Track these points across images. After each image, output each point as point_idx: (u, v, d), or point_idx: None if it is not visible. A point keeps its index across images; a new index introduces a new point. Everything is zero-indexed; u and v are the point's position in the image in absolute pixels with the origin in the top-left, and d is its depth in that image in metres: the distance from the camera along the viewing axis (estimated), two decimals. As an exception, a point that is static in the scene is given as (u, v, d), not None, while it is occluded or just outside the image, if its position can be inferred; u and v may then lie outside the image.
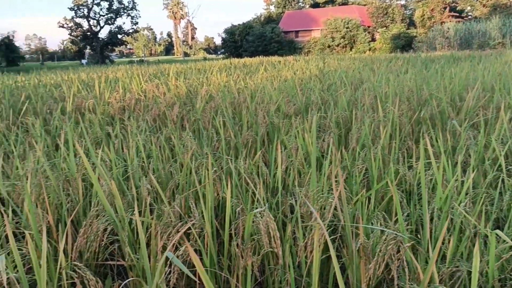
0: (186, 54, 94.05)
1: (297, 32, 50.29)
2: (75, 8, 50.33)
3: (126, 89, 5.66)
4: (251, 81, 6.91)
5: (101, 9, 51.51)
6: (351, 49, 43.65)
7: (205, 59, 47.54)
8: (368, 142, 2.88)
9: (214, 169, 2.29)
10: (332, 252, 1.03)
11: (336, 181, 1.79)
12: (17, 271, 1.35)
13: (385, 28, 43.21)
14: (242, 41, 48.19)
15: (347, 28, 43.75)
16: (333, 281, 1.57)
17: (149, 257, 1.63)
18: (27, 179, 2.05)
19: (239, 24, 50.33)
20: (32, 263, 1.28)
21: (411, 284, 1.13)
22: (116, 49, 67.50)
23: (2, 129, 3.77)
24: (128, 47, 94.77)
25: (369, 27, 45.19)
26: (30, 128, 4.14)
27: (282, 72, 8.63)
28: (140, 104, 4.92)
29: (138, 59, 58.45)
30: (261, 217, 1.27)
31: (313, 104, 4.58)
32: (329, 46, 45.05)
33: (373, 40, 44.77)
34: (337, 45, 44.43)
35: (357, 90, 5.33)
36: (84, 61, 52.99)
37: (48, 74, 10.92)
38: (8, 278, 1.34)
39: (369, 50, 42.08)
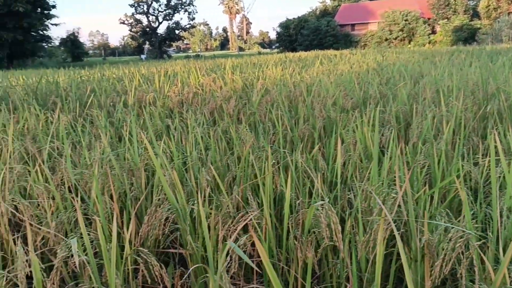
0: (241, 49, 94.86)
1: (353, 25, 49.34)
2: (135, 5, 52.08)
3: (184, 83, 5.79)
4: (306, 75, 6.86)
5: (159, 5, 52.95)
6: (409, 42, 42.27)
7: (259, 53, 47.72)
8: (430, 137, 2.78)
9: (272, 162, 2.30)
10: (400, 246, 1.01)
11: (398, 176, 1.74)
12: (86, 254, 1.42)
13: (446, 20, 41.44)
14: (296, 35, 47.98)
15: (405, 20, 42.38)
16: (393, 278, 1.53)
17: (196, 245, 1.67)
18: (93, 168, 2.15)
19: (294, 18, 50.11)
20: (101, 247, 1.34)
21: (481, 285, 1.08)
22: (173, 44, 69.18)
23: (70, 120, 3.97)
24: (184, 42, 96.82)
25: (429, 19, 43.52)
26: (95, 119, 4.34)
27: (338, 65, 8.50)
28: (198, 97, 5.02)
29: (194, 54, 59.60)
30: (322, 211, 1.26)
31: (371, 98, 4.48)
32: (386, 40, 43.89)
33: (433, 32, 43.10)
34: (395, 38, 43.19)
35: (417, 84, 5.15)
36: (143, 56, 54.79)
37: (110, 68, 11.38)
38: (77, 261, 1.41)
39: (429, 43, 40.57)
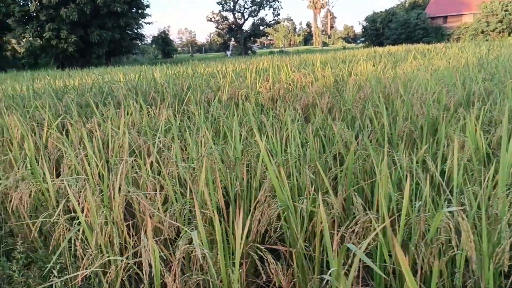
0: (324, 44, 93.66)
1: (445, 17, 46.62)
2: (222, 2, 53.42)
3: (275, 79, 5.82)
4: (400, 70, 6.59)
5: (245, 2, 53.85)
6: (509, 35, 39.06)
7: (344, 48, 46.79)
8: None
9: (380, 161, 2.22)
10: None
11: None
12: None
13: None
14: (384, 29, 46.37)
15: (505, 11, 39.18)
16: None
17: (304, 244, 1.64)
18: (198, 163, 2.22)
19: (381, 11, 48.49)
20: (216, 240, 1.37)
21: None
22: (257, 40, 70.07)
23: (169, 115, 4.15)
24: (268, 38, 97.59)
25: (533, 8, 39.85)
26: (191, 115, 4.49)
27: (433, 60, 8.06)
28: (290, 93, 5.02)
29: (278, 49, 59.88)
30: (451, 216, 1.18)
31: (474, 95, 4.19)
32: (482, 32, 40.94)
33: (538, 23, 39.43)
34: (492, 30, 40.13)
35: (527, 80, 4.72)
36: (228, 53, 56.15)
37: (200, 64, 11.75)
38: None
39: (532, 35, 37.22)
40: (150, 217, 1.64)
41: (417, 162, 2.35)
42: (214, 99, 5.24)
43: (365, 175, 2.39)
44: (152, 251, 1.39)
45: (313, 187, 2.18)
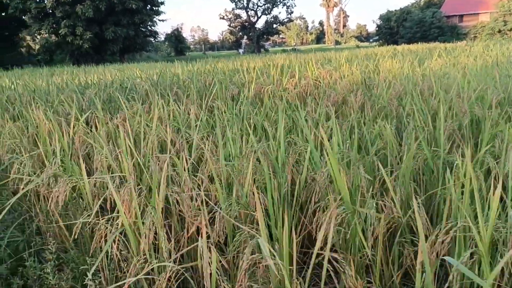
0: (337, 43, 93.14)
1: (461, 16, 46.01)
2: (236, 0, 53.30)
3: (300, 75, 5.66)
4: (427, 68, 6.40)
5: (259, 0, 53.69)
6: (527, 34, 38.43)
7: (357, 47, 46.39)
8: None
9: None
10: None
11: None
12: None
13: None
14: (398, 28, 45.93)
15: (524, 10, 38.55)
16: None
17: (371, 252, 1.50)
18: (242, 161, 2.09)
19: (395, 10, 48.05)
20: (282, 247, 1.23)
21: None
22: (270, 38, 69.83)
23: (196, 111, 4.03)
24: (280, 36, 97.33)
25: (552, 8, 39.14)
26: (217, 111, 4.37)
27: (459, 58, 7.85)
28: (317, 90, 4.87)
29: (291, 48, 59.61)
30: None
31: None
32: (499, 31, 40.32)
33: (557, 22, 38.73)
34: (510, 30, 39.50)
35: None
36: (241, 51, 56.00)
37: (219, 61, 11.64)
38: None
39: (552, 34, 36.55)
40: (191, 219, 1.51)
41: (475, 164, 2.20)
42: (239, 95, 5.11)
43: (419, 177, 2.24)
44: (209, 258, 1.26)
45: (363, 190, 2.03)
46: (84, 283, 2.05)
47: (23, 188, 2.54)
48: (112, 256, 2.00)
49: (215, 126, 3.59)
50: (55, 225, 2.50)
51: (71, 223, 2.54)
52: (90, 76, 8.45)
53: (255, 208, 1.79)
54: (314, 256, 1.20)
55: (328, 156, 1.90)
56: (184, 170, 2.04)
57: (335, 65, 6.72)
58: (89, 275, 2.00)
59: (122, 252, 2.00)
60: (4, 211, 2.26)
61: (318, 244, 1.19)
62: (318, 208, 1.64)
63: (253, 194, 1.77)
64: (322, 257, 1.47)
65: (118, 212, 2.03)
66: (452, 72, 5.19)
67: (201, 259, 1.31)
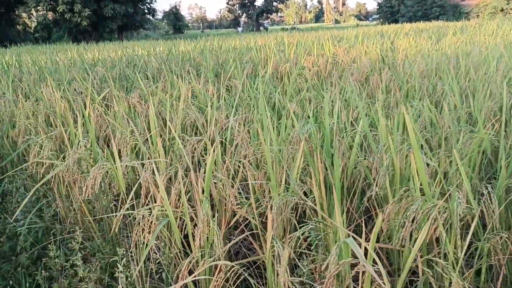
0: (336, 21, 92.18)
1: (463, -6, 45.36)
2: (235, -23, 52.38)
3: (316, 53, 5.45)
4: (445, 46, 6.18)
5: (258, -24, 52.70)
6: (530, 13, 37.93)
7: (357, 25, 45.85)
8: None
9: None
10: None
11: None
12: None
13: None
14: (399, 6, 45.28)
15: (527, -12, 37.98)
16: None
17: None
18: (288, 145, 1.92)
19: (397, -12, 47.30)
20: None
21: None
22: (269, 17, 68.88)
23: (214, 90, 3.84)
24: (279, 15, 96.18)
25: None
26: (234, 88, 4.17)
27: (476, 36, 7.62)
28: (337, 68, 4.68)
29: (290, 26, 58.85)
30: None
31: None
32: (502, 10, 39.80)
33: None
34: (512, 8, 38.99)
35: None
36: (239, 29, 55.29)
37: (221, 39, 11.34)
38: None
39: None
40: (236, 209, 1.34)
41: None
42: (254, 73, 4.91)
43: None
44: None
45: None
46: (114, 275, 1.90)
47: (43, 173, 2.37)
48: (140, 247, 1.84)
49: (238, 106, 3.42)
50: (78, 211, 2.34)
51: (97, 211, 2.39)
52: (94, 53, 8.19)
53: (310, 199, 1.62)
54: (409, 262, 1.04)
55: (387, 139, 1.73)
56: (224, 155, 1.87)
57: (350, 43, 6.50)
58: (120, 267, 1.85)
59: (160, 245, 1.84)
60: (26, 198, 2.10)
61: (412, 255, 1.02)
62: (374, 198, 1.48)
63: (312, 182, 1.61)
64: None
65: (155, 201, 1.87)
66: (476, 50, 4.98)
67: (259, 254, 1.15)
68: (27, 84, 3.93)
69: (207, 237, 1.39)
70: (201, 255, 1.38)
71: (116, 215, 2.27)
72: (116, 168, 1.69)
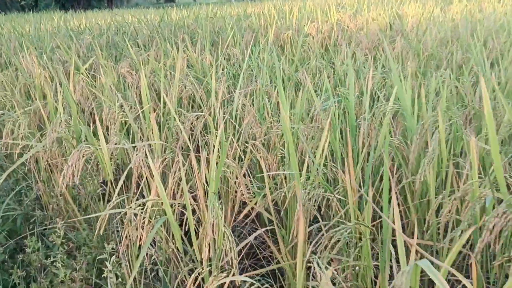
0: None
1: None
2: None
3: (319, 19, 5.07)
4: (455, 13, 5.83)
5: None
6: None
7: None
8: None
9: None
10: None
11: None
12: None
13: None
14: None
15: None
16: None
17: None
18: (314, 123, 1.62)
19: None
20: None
21: None
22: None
23: (211, 59, 3.49)
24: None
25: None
26: (232, 59, 3.85)
27: (483, 2, 7.25)
28: (343, 35, 4.33)
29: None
30: None
31: None
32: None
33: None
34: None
35: None
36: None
37: (219, 7, 10.83)
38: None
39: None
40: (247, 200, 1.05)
41: None
42: (254, 42, 4.55)
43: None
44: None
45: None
46: (103, 275, 1.62)
47: (19, 153, 2.05)
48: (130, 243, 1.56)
49: (239, 76, 3.09)
50: (60, 198, 2.04)
51: (77, 195, 2.09)
52: (81, 21, 7.72)
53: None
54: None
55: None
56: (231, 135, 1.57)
57: (353, 9, 6.12)
58: (109, 266, 1.57)
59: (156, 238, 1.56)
60: (1, 180, 1.79)
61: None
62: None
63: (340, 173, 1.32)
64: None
65: (149, 189, 1.58)
66: (492, 16, 4.65)
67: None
68: (5, 53, 3.57)
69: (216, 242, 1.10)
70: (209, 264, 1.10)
71: (104, 206, 1.98)
72: (102, 150, 1.38)
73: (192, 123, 1.90)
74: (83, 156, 1.31)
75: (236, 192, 1.44)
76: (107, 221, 1.96)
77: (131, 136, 1.95)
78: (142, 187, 1.59)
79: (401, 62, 3.21)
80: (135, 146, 1.56)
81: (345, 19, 5.11)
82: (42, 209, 2.26)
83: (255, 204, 1.40)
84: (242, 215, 1.47)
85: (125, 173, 1.43)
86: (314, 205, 1.29)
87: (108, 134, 1.92)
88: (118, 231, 1.85)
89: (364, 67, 2.97)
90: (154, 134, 1.49)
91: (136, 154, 1.45)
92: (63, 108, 1.94)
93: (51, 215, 2.11)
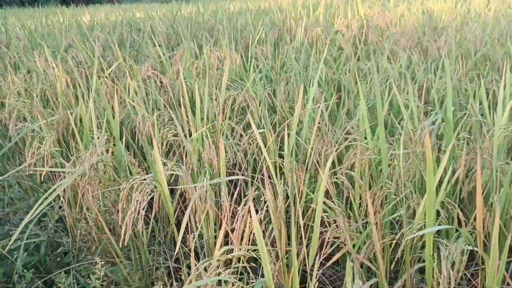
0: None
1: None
2: None
3: (352, 15, 4.76)
4: (475, 6, 5.54)
5: None
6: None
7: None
8: None
9: None
10: None
11: None
12: None
13: None
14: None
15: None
16: None
17: None
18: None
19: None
20: None
21: None
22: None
23: (239, 59, 3.20)
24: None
25: None
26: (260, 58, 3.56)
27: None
28: (375, 33, 4.04)
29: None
30: None
31: None
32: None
33: None
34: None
35: None
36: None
37: (228, 2, 10.51)
38: None
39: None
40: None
41: None
42: (280, 39, 4.26)
43: None
44: None
45: None
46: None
47: (45, 175, 1.77)
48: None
49: (282, 80, 2.80)
50: (92, 225, 1.75)
51: (115, 223, 1.80)
52: (87, 17, 7.41)
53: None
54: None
55: None
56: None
57: (379, 4, 5.81)
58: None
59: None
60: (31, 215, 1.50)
61: None
62: None
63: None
64: None
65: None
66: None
67: None
68: (16, 52, 3.27)
69: None
70: None
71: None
72: (164, 191, 1.09)
73: (249, 143, 1.61)
74: (144, 199, 1.03)
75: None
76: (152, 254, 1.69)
77: (176, 159, 1.66)
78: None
79: (454, 63, 2.92)
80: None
81: (373, 14, 4.81)
82: (67, 234, 1.97)
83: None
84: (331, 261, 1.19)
85: (187, 213, 1.14)
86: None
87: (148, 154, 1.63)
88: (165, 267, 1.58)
89: (417, 70, 2.69)
90: (220, 160, 1.20)
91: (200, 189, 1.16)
92: (97, 123, 1.65)
93: (80, 246, 1.82)
